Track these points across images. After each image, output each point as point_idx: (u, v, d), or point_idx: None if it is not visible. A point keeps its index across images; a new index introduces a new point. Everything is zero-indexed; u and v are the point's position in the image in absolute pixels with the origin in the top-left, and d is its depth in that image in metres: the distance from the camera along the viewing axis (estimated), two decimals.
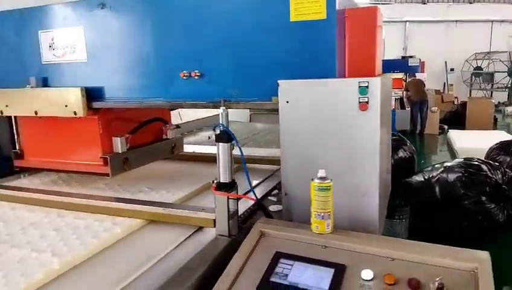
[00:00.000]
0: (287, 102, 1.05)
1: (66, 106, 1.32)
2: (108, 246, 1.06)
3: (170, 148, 1.75)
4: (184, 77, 1.20)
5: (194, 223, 1.15)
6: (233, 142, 1.07)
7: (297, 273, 0.82)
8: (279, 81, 1.05)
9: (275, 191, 1.55)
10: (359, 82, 0.97)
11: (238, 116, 5.00)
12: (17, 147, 2.02)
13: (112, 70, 1.31)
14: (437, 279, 0.74)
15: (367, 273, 0.79)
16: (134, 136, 1.50)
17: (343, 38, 1.08)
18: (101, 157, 1.40)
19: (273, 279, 0.82)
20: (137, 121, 1.57)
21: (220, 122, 1.05)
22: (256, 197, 1.09)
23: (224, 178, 1.07)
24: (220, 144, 1.05)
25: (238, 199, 1.10)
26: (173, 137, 1.76)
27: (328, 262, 0.84)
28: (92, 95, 1.32)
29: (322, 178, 0.91)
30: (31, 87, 1.39)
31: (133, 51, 1.27)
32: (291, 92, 1.05)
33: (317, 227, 0.91)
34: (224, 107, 1.05)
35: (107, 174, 1.39)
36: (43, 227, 1.17)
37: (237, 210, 1.10)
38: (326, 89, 1.02)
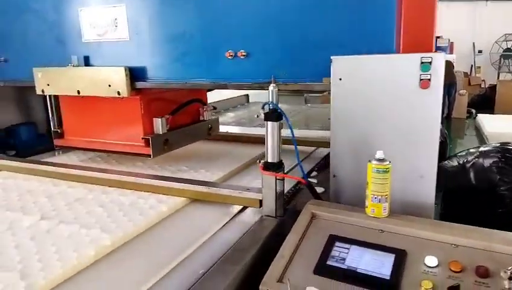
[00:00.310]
0: (340, 79, 1.01)
1: (109, 85, 1.30)
2: (155, 224, 1.06)
3: (207, 130, 1.73)
4: (229, 57, 1.16)
5: (239, 202, 1.14)
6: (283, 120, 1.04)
7: (355, 257, 0.79)
8: (332, 57, 1.00)
9: (314, 173, 1.52)
10: (421, 58, 0.92)
11: (259, 97, 4.96)
12: (52, 125, 2.08)
13: (154, 49, 1.28)
14: (509, 268, 0.70)
15: (431, 260, 0.76)
16: (174, 117, 1.49)
17: (399, 10, 1.02)
18: (142, 138, 1.39)
19: (330, 262, 0.79)
20: (176, 102, 1.55)
21: (269, 100, 1.02)
22: (306, 178, 1.05)
23: (272, 158, 1.04)
24: (269, 122, 1.02)
25: (284, 180, 1.07)
26: (209, 118, 1.74)
27: (387, 247, 0.81)
28: (134, 74, 1.30)
29: (380, 160, 0.87)
30: (73, 66, 1.37)
31: (177, 28, 1.23)
32: (345, 69, 1.00)
33: (373, 210, 0.88)
34: (274, 84, 1.01)
35: (149, 155, 1.38)
36: (88, 203, 1.17)
37: (283, 191, 1.08)
38: (384, 65, 0.97)
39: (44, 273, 0.80)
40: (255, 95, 5.39)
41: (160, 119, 1.41)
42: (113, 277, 0.83)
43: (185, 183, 1.20)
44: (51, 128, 2.08)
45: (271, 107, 1.01)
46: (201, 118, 1.72)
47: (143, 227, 1.02)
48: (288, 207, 1.13)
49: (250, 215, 1.10)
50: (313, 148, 1.85)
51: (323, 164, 1.62)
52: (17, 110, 2.01)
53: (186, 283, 0.79)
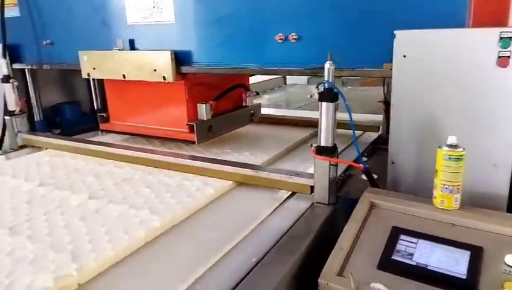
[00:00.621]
0: (404, 56, 0.92)
1: (154, 70, 1.26)
2: (203, 207, 1.02)
3: (249, 116, 1.68)
4: (280, 40, 1.08)
5: (288, 188, 1.09)
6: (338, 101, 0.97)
7: (424, 253, 0.72)
8: (396, 32, 0.91)
9: (363, 159, 1.44)
10: (501, 32, 0.82)
11: (297, 79, 4.84)
12: (95, 105, 2.10)
13: (200, 32, 1.22)
14: None
15: None
16: (217, 103, 1.44)
17: None
18: (187, 124, 1.36)
19: (395, 257, 0.73)
20: (219, 88, 1.50)
21: (326, 78, 0.94)
22: (364, 164, 0.98)
23: (326, 141, 0.97)
24: (324, 103, 0.95)
25: (337, 165, 1.01)
26: (252, 104, 1.69)
27: (460, 243, 0.73)
28: (179, 59, 1.25)
29: (452, 146, 0.79)
30: (118, 49, 1.34)
31: (223, 10, 1.16)
32: (411, 44, 0.91)
33: (442, 201, 0.81)
34: (330, 62, 0.94)
35: (193, 142, 1.35)
36: (135, 183, 1.15)
37: (336, 177, 1.02)
38: (455, 41, 0.87)
39: (95, 255, 0.78)
40: (293, 77, 5.28)
41: (204, 105, 1.37)
42: (164, 260, 0.81)
43: (231, 166, 1.16)
44: (94, 107, 2.12)
45: (326, 87, 0.94)
46: (243, 104, 1.67)
47: (191, 210, 0.99)
48: (340, 194, 1.06)
49: (301, 202, 1.04)
50: (360, 132, 1.76)
51: (372, 149, 1.54)
52: (62, 89, 2.03)
53: (239, 272, 0.75)
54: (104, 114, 1.60)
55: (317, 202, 1.00)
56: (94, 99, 2.09)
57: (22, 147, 1.65)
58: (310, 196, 1.04)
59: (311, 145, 1.00)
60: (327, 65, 0.94)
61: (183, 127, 1.37)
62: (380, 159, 1.42)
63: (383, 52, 0.95)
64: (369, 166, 1.31)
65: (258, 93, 1.71)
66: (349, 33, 1.01)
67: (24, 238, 0.86)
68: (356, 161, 1.05)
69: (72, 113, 1.99)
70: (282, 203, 1.05)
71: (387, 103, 1.60)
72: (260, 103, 1.77)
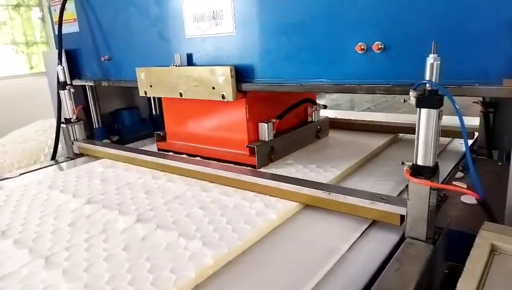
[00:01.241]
0: None
1: (213, 88, 1.12)
2: (264, 236, 0.85)
3: (316, 132, 1.50)
4: (360, 51, 0.88)
5: (368, 215, 0.88)
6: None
7: None
8: None
9: (459, 174, 1.18)
10: None
11: None
12: (153, 110, 2.02)
13: (263, 43, 1.05)
14: None
15: None
16: (280, 121, 1.28)
17: None
18: (247, 147, 1.23)
19: None
20: (283, 103, 1.34)
21: (427, 77, 0.72)
22: (481, 192, 0.74)
23: (425, 160, 0.75)
24: (424, 110, 0.74)
25: (438, 191, 0.78)
26: (318, 119, 1.51)
27: None
28: (240, 74, 1.10)
29: None
30: (176, 65, 1.22)
31: (292, 17, 0.98)
32: None
33: None
34: (435, 55, 0.71)
35: (254, 167, 1.21)
36: (188, 203, 1.01)
37: (436, 206, 0.79)
38: None
39: None
40: None
41: (266, 124, 1.24)
42: None
43: (298, 185, 0.97)
44: (152, 113, 2.05)
45: (428, 88, 0.72)
46: (309, 119, 1.50)
47: (250, 241, 0.82)
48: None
49: (387, 235, 0.83)
50: (448, 139, 1.49)
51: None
52: (120, 95, 1.98)
53: None
54: (161, 132, 1.50)
55: (409, 237, 0.79)
56: (152, 105, 2.04)
57: (79, 155, 1.60)
58: (399, 227, 0.83)
59: (403, 163, 0.79)
60: (430, 59, 0.71)
61: (243, 149, 1.24)
62: (479, 172, 1.16)
63: (503, 64, 0.72)
64: (468, 183, 1.08)
65: (325, 107, 1.52)
66: (451, 38, 0.78)
67: (59, 273, 0.74)
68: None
69: (130, 119, 1.93)
70: (362, 234, 0.85)
71: (485, 104, 1.33)
72: (328, 117, 1.57)
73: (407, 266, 0.70)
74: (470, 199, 0.97)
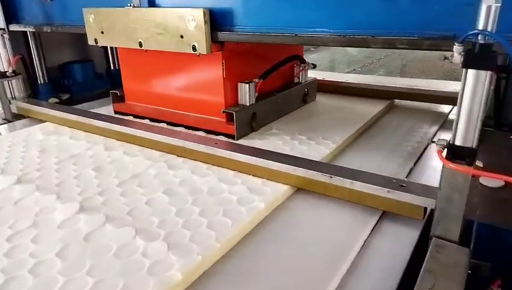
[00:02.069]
0: None
1: (181, 36, 0.88)
2: (249, 232, 0.66)
3: (302, 97, 1.28)
4: None
5: (379, 205, 0.70)
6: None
7: None
8: None
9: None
10: None
11: None
12: (112, 64, 1.74)
13: None
14: None
15: None
16: (264, 82, 1.06)
17: None
18: (223, 112, 1.00)
19: None
20: (267, 60, 1.11)
21: (480, 26, 0.52)
22: None
23: (466, 139, 0.57)
24: (471, 72, 0.54)
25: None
26: (306, 81, 1.29)
27: None
28: (216, 20, 0.86)
29: None
30: (133, 6, 0.96)
31: None
32: None
33: None
34: None
35: (232, 136, 1.00)
36: (150, 184, 0.79)
37: (467, 196, 0.61)
38: None
39: None
40: None
41: (247, 85, 1.01)
42: None
43: (290, 166, 0.77)
44: (110, 67, 1.77)
45: (481, 41, 0.52)
46: (295, 80, 1.28)
47: (230, 243, 0.62)
48: None
49: (405, 232, 0.66)
50: (448, 106, 1.33)
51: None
52: (71, 45, 1.67)
53: None
54: (118, 92, 1.23)
55: (436, 236, 0.61)
56: (110, 57, 1.75)
57: (19, 116, 1.32)
58: (420, 222, 0.66)
59: (434, 142, 0.60)
60: (487, 1, 0.51)
61: (219, 114, 1.02)
62: (490, 146, 1.00)
63: None
64: (486, 161, 0.92)
65: (315, 66, 1.29)
66: None
67: None
68: None
69: (83, 74, 1.64)
70: (372, 230, 0.67)
71: (496, 68, 1.16)
72: (316, 79, 1.35)
73: (443, 282, 0.52)
74: (491, 181, 0.81)
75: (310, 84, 1.30)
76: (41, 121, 1.23)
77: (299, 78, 1.27)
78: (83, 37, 1.47)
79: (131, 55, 1.15)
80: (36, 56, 1.48)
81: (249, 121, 1.03)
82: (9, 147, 1.02)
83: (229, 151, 0.84)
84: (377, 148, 1.00)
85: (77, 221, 0.68)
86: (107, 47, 1.73)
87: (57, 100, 1.55)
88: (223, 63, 0.97)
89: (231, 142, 0.91)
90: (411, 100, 1.37)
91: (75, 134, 1.09)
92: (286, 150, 0.94)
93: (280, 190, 0.76)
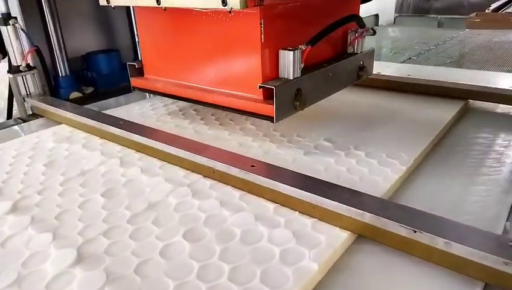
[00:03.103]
0: None
1: None
2: None
3: (356, 71, 1.04)
4: None
5: (482, 276, 0.49)
6: None
7: None
8: None
9: None
10: None
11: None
12: (139, 54, 1.58)
13: None
14: None
15: None
16: (311, 50, 0.83)
17: None
18: (260, 87, 0.78)
19: None
20: (314, 21, 0.88)
21: None
22: None
23: None
24: None
25: None
26: (361, 51, 1.03)
27: None
28: None
29: None
30: None
31: None
32: None
33: None
34: None
35: (270, 118, 0.78)
36: (166, 217, 0.62)
37: None
38: None
39: None
40: (385, 12, 4.24)
41: (291, 52, 0.78)
42: None
43: (352, 208, 0.57)
44: (138, 57, 1.61)
45: None
46: (349, 49, 1.03)
47: None
48: None
49: None
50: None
51: None
52: (95, 32, 1.53)
53: None
54: (135, 63, 1.04)
55: None
56: (138, 46, 1.59)
57: (35, 115, 1.19)
58: None
59: None
60: None
61: (254, 91, 0.80)
62: None
63: None
64: None
65: (375, 33, 1.01)
66: None
67: None
68: None
69: (108, 65, 1.50)
70: None
71: None
72: (373, 50, 1.09)
73: None
74: None
75: (367, 55, 1.05)
76: (57, 123, 1.09)
77: (353, 47, 1.02)
78: (109, 23, 1.31)
79: (149, 18, 0.97)
80: (56, 46, 1.35)
81: (292, 98, 0.81)
82: (14, 157, 0.88)
83: (269, 180, 0.65)
84: (456, 167, 0.78)
85: (71, 279, 0.51)
86: (133, 33, 1.57)
87: (80, 95, 1.42)
88: (261, 23, 0.75)
89: (272, 166, 0.71)
90: (489, 101, 1.12)
91: (90, 141, 0.94)
92: (341, 171, 0.74)
93: (338, 239, 0.57)
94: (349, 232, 0.58)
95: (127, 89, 1.46)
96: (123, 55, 1.57)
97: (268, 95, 0.79)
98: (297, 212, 0.63)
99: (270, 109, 0.77)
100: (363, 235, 0.58)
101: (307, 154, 0.83)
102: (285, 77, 0.80)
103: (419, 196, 0.70)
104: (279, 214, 0.63)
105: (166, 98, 1.24)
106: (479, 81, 1.16)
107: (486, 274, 0.48)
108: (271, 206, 0.65)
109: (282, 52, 0.79)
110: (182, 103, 1.13)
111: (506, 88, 1.11)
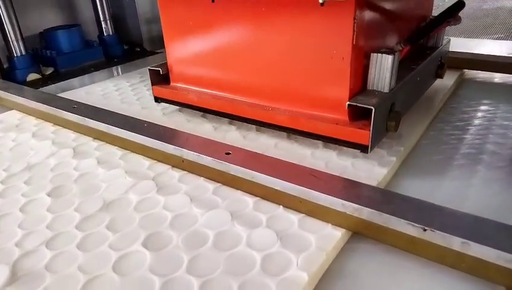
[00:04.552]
0: None
1: None
2: None
3: (435, 70, 0.85)
4: None
5: (504, 280, 0.40)
6: None
7: None
8: None
9: None
10: None
11: None
12: (104, 28, 1.45)
13: None
14: None
15: None
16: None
17: None
18: (349, 106, 0.59)
19: None
20: (405, 16, 0.74)
21: None
22: None
23: None
24: None
25: None
26: (442, 44, 0.85)
27: None
28: None
29: None
30: None
31: None
32: None
33: None
34: None
35: (362, 148, 0.59)
36: (163, 228, 0.51)
37: None
38: None
39: None
40: None
41: (391, 56, 0.58)
42: None
43: (346, 201, 0.47)
44: (103, 32, 1.47)
45: None
46: (430, 43, 0.84)
47: None
48: None
49: None
50: None
51: None
52: (55, 7, 1.37)
53: None
54: (159, 69, 0.81)
55: None
56: (102, 20, 1.44)
57: None
58: None
59: None
60: None
61: (336, 110, 0.61)
62: None
63: None
64: None
65: (458, 21, 0.79)
66: None
67: None
68: None
69: (69, 42, 1.35)
70: None
71: None
72: (450, 40, 0.91)
73: None
74: None
75: (445, 49, 0.88)
76: (8, 108, 0.95)
77: (434, 39, 0.84)
78: None
79: (185, 6, 0.73)
80: (8, 22, 1.20)
81: (386, 117, 0.62)
82: None
83: (247, 170, 0.55)
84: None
85: None
86: (96, 6, 1.42)
87: (39, 76, 1.28)
88: (355, 18, 0.56)
89: (251, 153, 0.60)
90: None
91: (42, 129, 0.82)
92: (331, 155, 0.64)
93: (331, 239, 0.47)
94: (344, 230, 0.48)
95: (90, 68, 1.33)
96: (85, 30, 1.43)
97: (356, 115, 0.60)
98: (281, 207, 0.53)
99: (362, 136, 0.58)
100: (361, 233, 0.48)
101: (291, 136, 0.72)
102: (378, 89, 0.60)
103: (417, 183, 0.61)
104: (259, 210, 0.53)
105: (133, 77, 1.12)
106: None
107: (510, 278, 0.39)
108: (250, 200, 0.55)
109: (376, 56, 0.59)
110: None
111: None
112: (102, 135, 0.72)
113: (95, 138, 0.75)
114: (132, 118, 0.74)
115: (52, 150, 0.72)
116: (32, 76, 1.27)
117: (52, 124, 0.83)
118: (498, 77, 1.02)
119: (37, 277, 0.44)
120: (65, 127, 0.80)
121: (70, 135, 0.77)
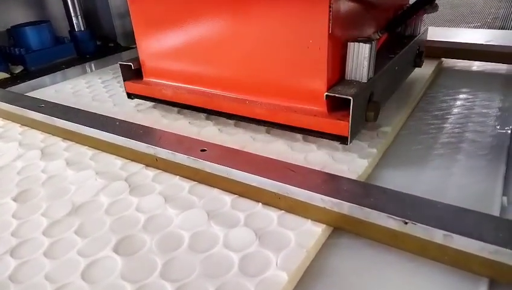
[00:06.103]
0: None
1: None
2: None
3: (413, 59, 0.85)
4: None
5: (488, 272, 0.39)
6: None
7: None
8: None
9: None
10: None
11: None
12: (75, 23, 1.39)
13: None
14: None
15: None
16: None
17: None
18: (327, 97, 0.57)
19: None
20: (382, 3, 0.73)
21: None
22: None
23: None
24: None
25: None
26: (420, 31, 0.84)
27: None
28: None
29: None
30: None
31: None
32: None
33: None
34: None
35: (341, 139, 0.58)
36: (135, 231, 0.49)
37: None
38: None
39: None
40: None
41: (368, 44, 0.57)
42: None
43: (327, 197, 0.45)
44: (74, 28, 1.41)
45: None
46: (407, 32, 0.82)
47: None
48: None
49: None
50: None
51: None
52: (24, 1, 1.32)
53: None
54: (130, 63, 0.77)
55: None
56: (73, 15, 1.39)
57: None
58: None
59: None
60: None
61: (313, 101, 0.60)
62: None
63: None
64: None
65: (437, 9, 0.79)
66: None
67: None
68: None
69: (39, 39, 1.30)
70: None
71: None
72: (427, 28, 0.90)
73: None
74: None
75: (423, 38, 0.87)
76: None
77: (411, 28, 0.82)
78: None
79: None
80: None
81: (365, 108, 0.60)
82: None
83: (224, 167, 0.52)
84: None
85: None
86: (66, 1, 1.37)
87: (7, 75, 1.23)
88: (330, 6, 0.53)
89: (227, 149, 0.58)
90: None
91: (9, 130, 0.77)
92: (311, 148, 0.63)
93: (311, 235, 0.46)
94: (325, 226, 0.47)
95: (61, 65, 1.28)
96: (55, 26, 1.37)
97: (334, 107, 0.59)
98: (260, 204, 0.51)
99: (342, 127, 0.56)
100: (342, 228, 0.47)
101: (270, 130, 0.70)
102: (356, 78, 0.59)
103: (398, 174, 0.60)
104: (237, 208, 0.51)
105: (106, 73, 1.08)
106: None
107: (493, 270, 0.38)
108: (228, 198, 0.53)
109: (353, 45, 0.57)
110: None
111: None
112: (71, 134, 0.69)
113: (64, 138, 0.71)
114: (102, 115, 0.71)
115: (19, 152, 0.68)
116: (1, 75, 1.21)
117: (19, 124, 0.79)
118: (476, 65, 1.03)
119: (0, 288, 0.41)
120: (33, 128, 0.76)
121: (38, 135, 0.74)
